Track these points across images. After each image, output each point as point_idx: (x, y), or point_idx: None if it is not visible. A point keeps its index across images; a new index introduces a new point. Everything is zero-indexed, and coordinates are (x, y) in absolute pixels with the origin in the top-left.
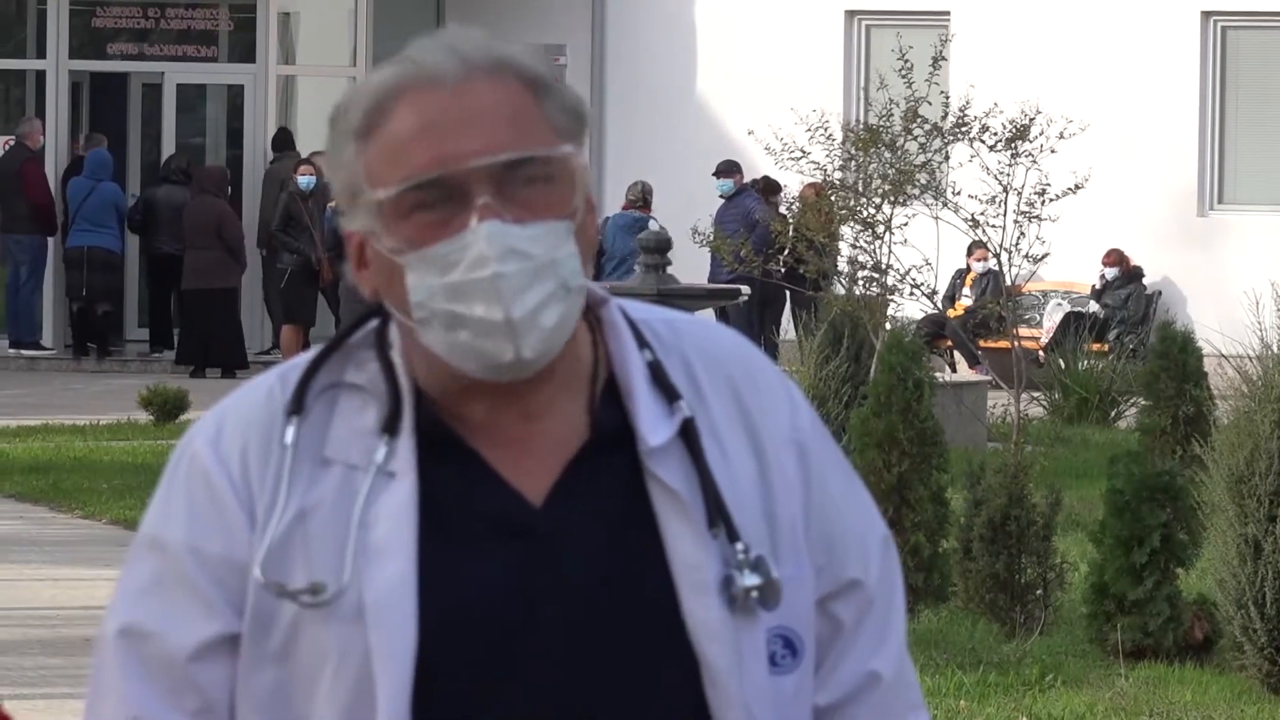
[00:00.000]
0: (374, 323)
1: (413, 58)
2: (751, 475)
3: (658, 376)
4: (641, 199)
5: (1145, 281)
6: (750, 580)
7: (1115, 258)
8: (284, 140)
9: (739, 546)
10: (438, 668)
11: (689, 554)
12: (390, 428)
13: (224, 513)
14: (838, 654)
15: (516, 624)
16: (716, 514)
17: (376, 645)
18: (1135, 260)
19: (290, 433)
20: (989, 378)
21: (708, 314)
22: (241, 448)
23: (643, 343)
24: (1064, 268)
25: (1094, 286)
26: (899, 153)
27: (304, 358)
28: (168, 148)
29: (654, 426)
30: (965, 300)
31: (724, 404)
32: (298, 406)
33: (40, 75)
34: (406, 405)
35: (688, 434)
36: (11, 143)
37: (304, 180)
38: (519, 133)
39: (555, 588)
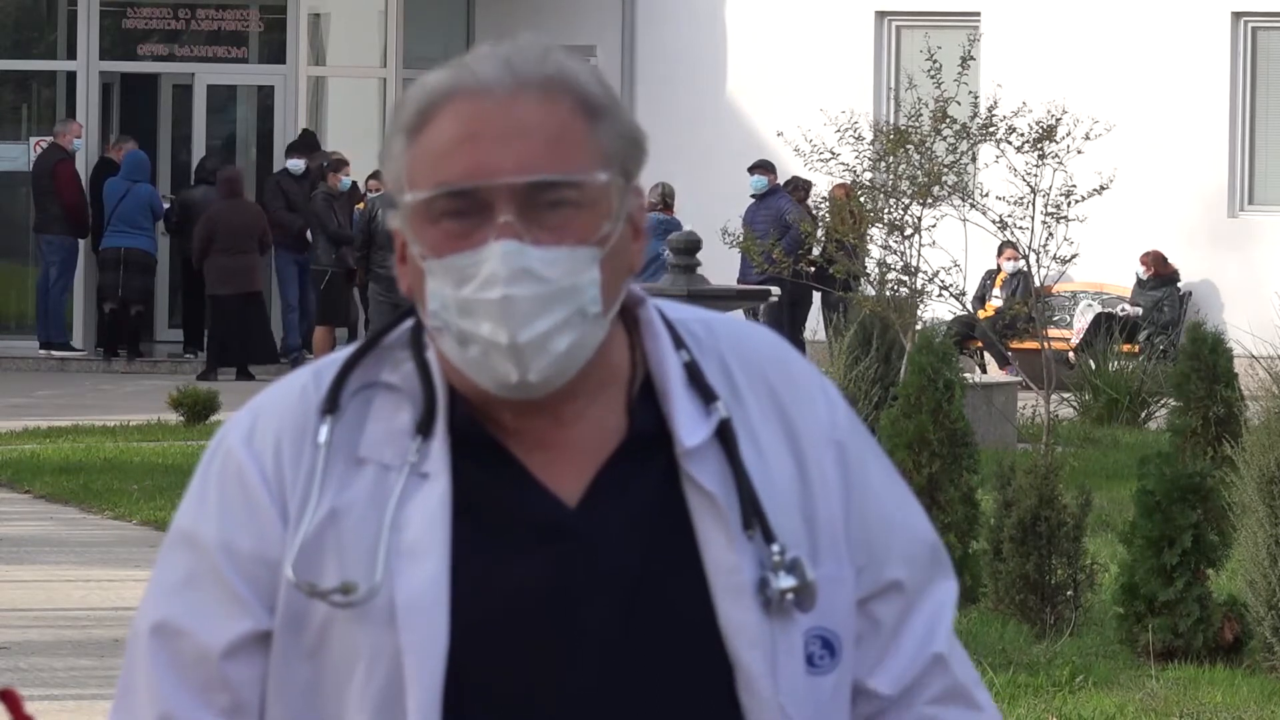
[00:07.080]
0: (410, 322)
1: (469, 64)
2: (789, 475)
3: (694, 377)
4: (662, 201)
5: (1176, 283)
6: (785, 582)
7: (1150, 260)
8: (308, 142)
9: (774, 548)
10: (469, 669)
11: (723, 556)
12: (424, 429)
13: (256, 510)
14: (885, 651)
15: (550, 626)
16: (752, 515)
17: (408, 647)
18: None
19: (324, 432)
20: (1019, 379)
21: (738, 315)
22: (275, 445)
23: (679, 343)
24: (1095, 269)
25: (1133, 290)
26: (926, 154)
27: (338, 356)
28: (198, 149)
29: (690, 427)
30: (995, 301)
31: (761, 404)
32: (332, 405)
33: (71, 76)
34: (440, 406)
35: (724, 435)
36: (45, 144)
37: (344, 181)
38: (556, 154)
39: (589, 589)
